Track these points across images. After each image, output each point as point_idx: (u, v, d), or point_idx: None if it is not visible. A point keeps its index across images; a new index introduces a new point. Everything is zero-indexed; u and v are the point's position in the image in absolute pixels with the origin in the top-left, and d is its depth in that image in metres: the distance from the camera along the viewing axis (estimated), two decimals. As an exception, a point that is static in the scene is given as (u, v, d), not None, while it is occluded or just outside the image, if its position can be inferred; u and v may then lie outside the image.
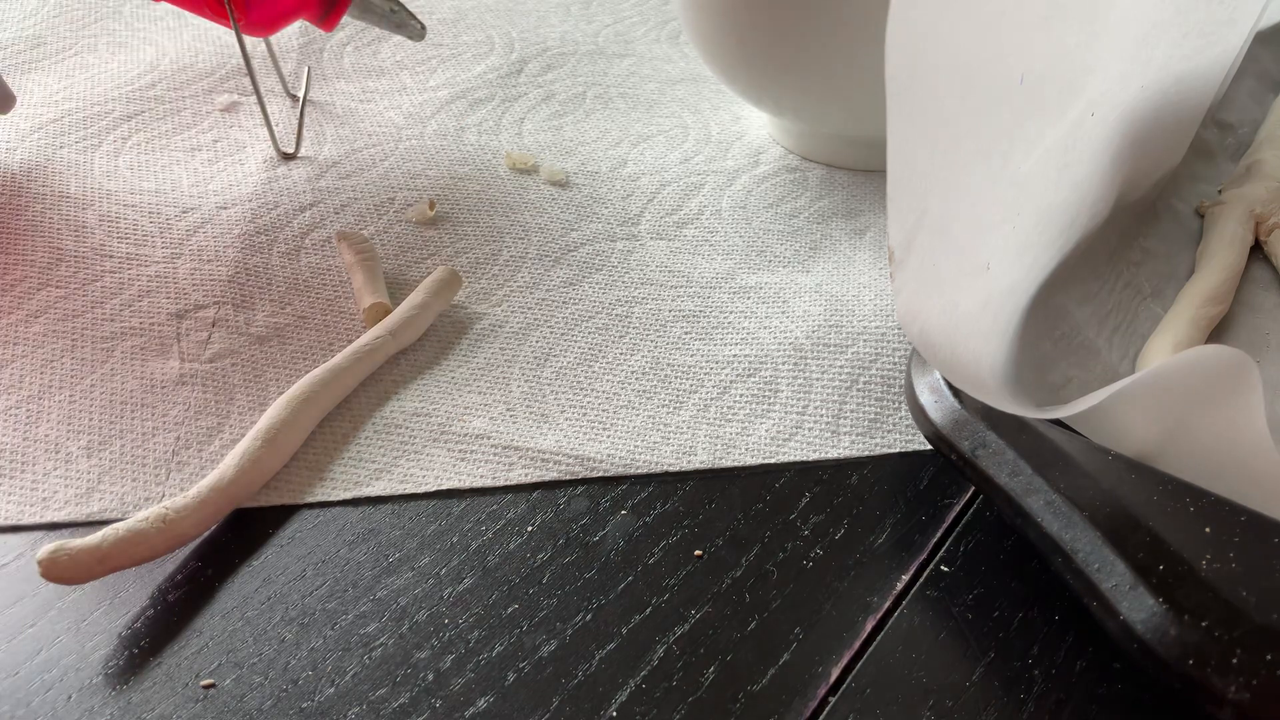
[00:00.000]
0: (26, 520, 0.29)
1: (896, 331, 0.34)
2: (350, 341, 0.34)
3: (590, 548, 0.28)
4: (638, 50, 0.52)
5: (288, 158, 0.43)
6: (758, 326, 0.35)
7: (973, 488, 0.29)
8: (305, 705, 0.24)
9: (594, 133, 0.45)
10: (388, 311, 0.34)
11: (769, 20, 0.37)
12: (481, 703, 0.24)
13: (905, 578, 0.27)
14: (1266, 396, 0.30)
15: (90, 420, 0.31)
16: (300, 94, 0.46)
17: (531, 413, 0.32)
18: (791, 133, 0.43)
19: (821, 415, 0.32)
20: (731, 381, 0.33)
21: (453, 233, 0.39)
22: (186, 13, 0.52)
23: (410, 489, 0.30)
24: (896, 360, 0.33)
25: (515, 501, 0.30)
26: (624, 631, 0.26)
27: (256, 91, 0.41)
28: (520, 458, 0.31)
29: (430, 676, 0.25)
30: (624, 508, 0.29)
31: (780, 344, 0.34)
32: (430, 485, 0.30)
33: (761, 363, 0.33)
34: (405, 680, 0.25)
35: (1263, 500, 0.23)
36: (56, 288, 0.36)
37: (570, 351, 0.34)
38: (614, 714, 0.24)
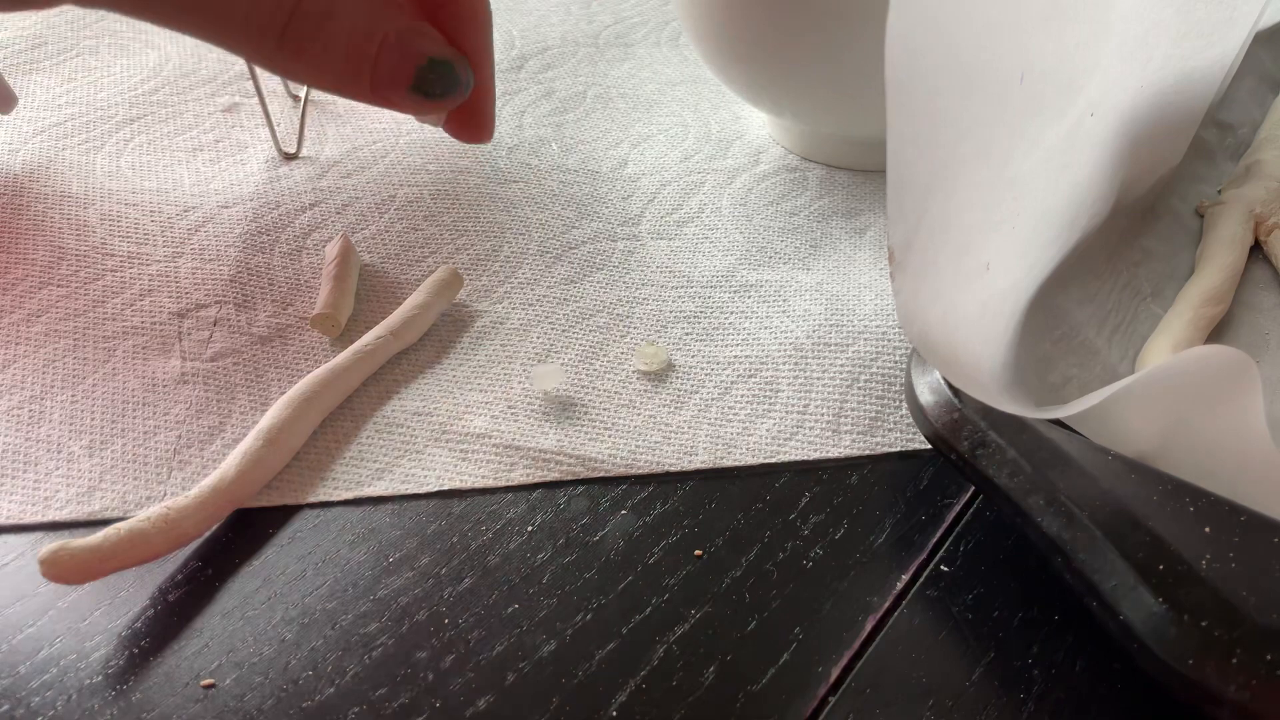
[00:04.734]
0: (28, 519, 0.29)
1: (897, 330, 0.34)
2: (352, 341, 0.34)
3: (590, 548, 0.28)
4: (638, 53, 0.52)
5: (289, 158, 0.43)
6: (758, 326, 0.35)
7: (973, 488, 0.29)
8: (305, 705, 0.24)
9: (594, 131, 0.45)
10: (332, 322, 0.34)
11: (769, 21, 0.37)
12: (481, 703, 0.24)
13: (905, 578, 0.27)
14: (1266, 396, 0.30)
15: (92, 419, 0.31)
16: (302, 94, 0.46)
17: (532, 411, 0.32)
18: (791, 132, 0.43)
19: (822, 415, 0.32)
20: (732, 381, 0.33)
21: (453, 229, 0.39)
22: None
23: (411, 489, 0.30)
24: (897, 359, 0.33)
25: (515, 501, 0.30)
26: (624, 631, 0.26)
27: (258, 91, 0.41)
28: (521, 457, 0.31)
29: (430, 676, 0.25)
30: (624, 508, 0.29)
31: (781, 344, 0.34)
32: (431, 485, 0.30)
33: (762, 362, 0.34)
34: (405, 680, 0.25)
35: (1263, 500, 0.23)
36: (58, 286, 0.36)
37: (571, 349, 0.34)
38: (614, 714, 0.24)
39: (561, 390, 0.32)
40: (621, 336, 0.35)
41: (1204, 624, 0.21)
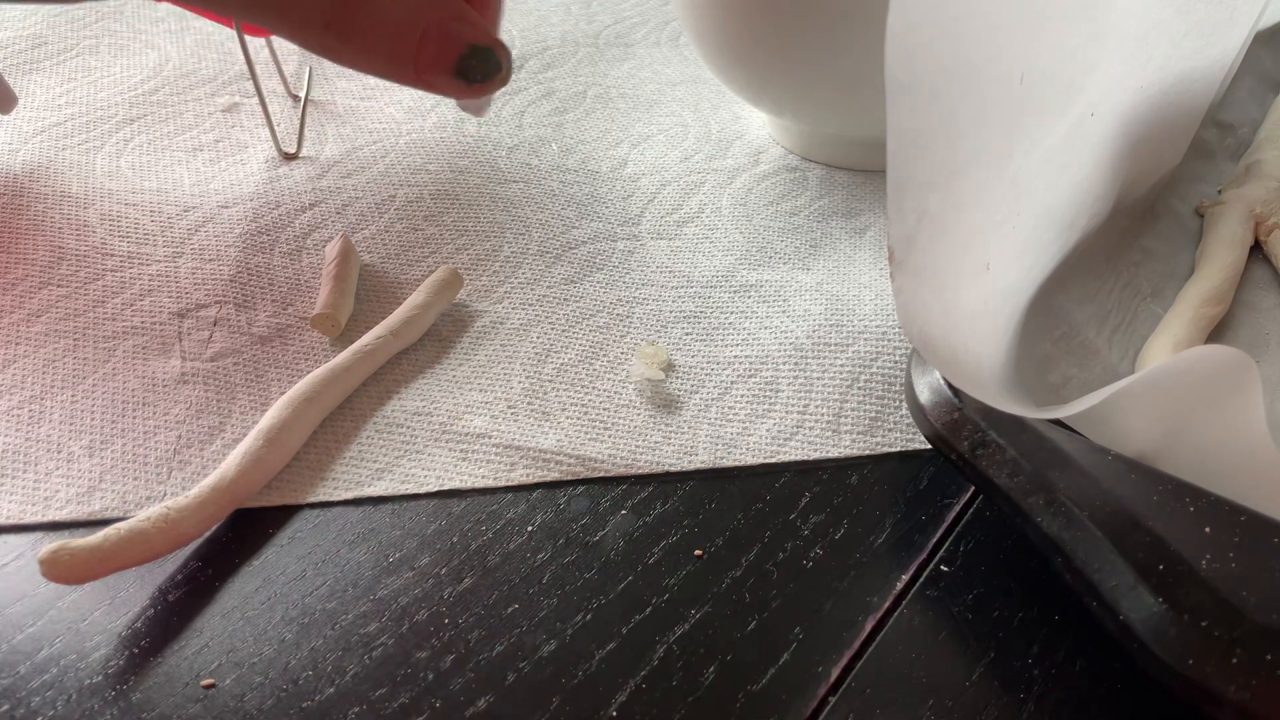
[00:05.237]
0: (28, 519, 0.29)
1: (897, 330, 0.34)
2: (352, 341, 0.34)
3: (590, 548, 0.28)
4: (638, 53, 0.52)
5: (289, 157, 0.43)
6: (758, 326, 0.35)
7: (973, 488, 0.29)
8: (305, 705, 0.24)
9: (594, 131, 0.45)
10: (332, 321, 0.34)
11: (768, 21, 0.37)
12: (481, 703, 0.24)
13: (905, 578, 0.27)
14: (1266, 396, 0.30)
15: (92, 419, 0.31)
16: (302, 94, 0.46)
17: (532, 411, 0.32)
18: (791, 132, 0.43)
19: (822, 415, 0.32)
20: (732, 381, 0.33)
21: (453, 229, 0.39)
22: (189, 14, 0.52)
23: (411, 489, 0.30)
24: (897, 359, 0.33)
25: (515, 501, 0.30)
26: (624, 631, 0.26)
27: (258, 91, 0.41)
28: (521, 457, 0.31)
29: (430, 676, 0.25)
30: (624, 508, 0.29)
31: (781, 343, 0.34)
32: (431, 485, 0.30)
33: (762, 362, 0.34)
34: (405, 680, 0.25)
35: (1263, 500, 0.23)
36: (58, 286, 0.36)
37: (571, 349, 0.34)
38: (614, 714, 0.24)
39: (656, 378, 0.32)
40: (621, 336, 0.35)
41: (1204, 624, 0.21)
